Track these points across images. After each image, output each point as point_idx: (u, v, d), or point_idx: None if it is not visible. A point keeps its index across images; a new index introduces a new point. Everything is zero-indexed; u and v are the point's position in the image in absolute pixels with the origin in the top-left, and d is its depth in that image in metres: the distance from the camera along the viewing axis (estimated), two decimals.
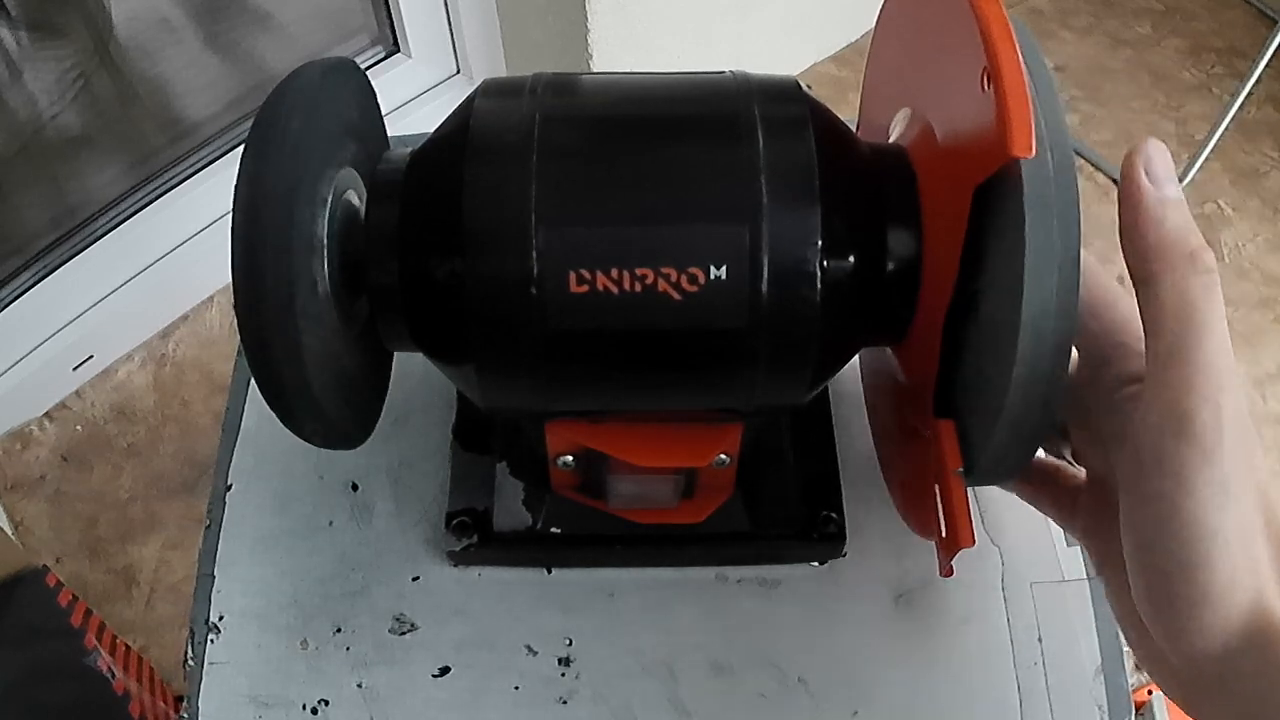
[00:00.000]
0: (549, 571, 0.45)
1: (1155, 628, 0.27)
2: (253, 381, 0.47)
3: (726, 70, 0.33)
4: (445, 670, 0.43)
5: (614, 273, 0.29)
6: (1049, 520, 0.45)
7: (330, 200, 0.31)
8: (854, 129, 0.43)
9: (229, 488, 0.47)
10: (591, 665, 0.43)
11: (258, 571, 0.45)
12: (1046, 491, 0.35)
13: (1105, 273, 0.31)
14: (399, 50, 1.32)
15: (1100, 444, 0.31)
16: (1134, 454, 0.27)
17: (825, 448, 0.45)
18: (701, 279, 0.29)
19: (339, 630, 0.44)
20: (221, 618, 0.44)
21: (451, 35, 1.31)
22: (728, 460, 0.38)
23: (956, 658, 0.43)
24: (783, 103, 0.31)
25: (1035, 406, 0.28)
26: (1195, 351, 0.26)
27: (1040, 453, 0.35)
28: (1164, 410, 0.26)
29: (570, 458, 0.38)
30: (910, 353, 0.35)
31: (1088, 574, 0.44)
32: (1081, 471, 0.34)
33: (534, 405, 0.34)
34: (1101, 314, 0.31)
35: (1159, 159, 0.27)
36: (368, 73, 0.35)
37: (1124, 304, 0.31)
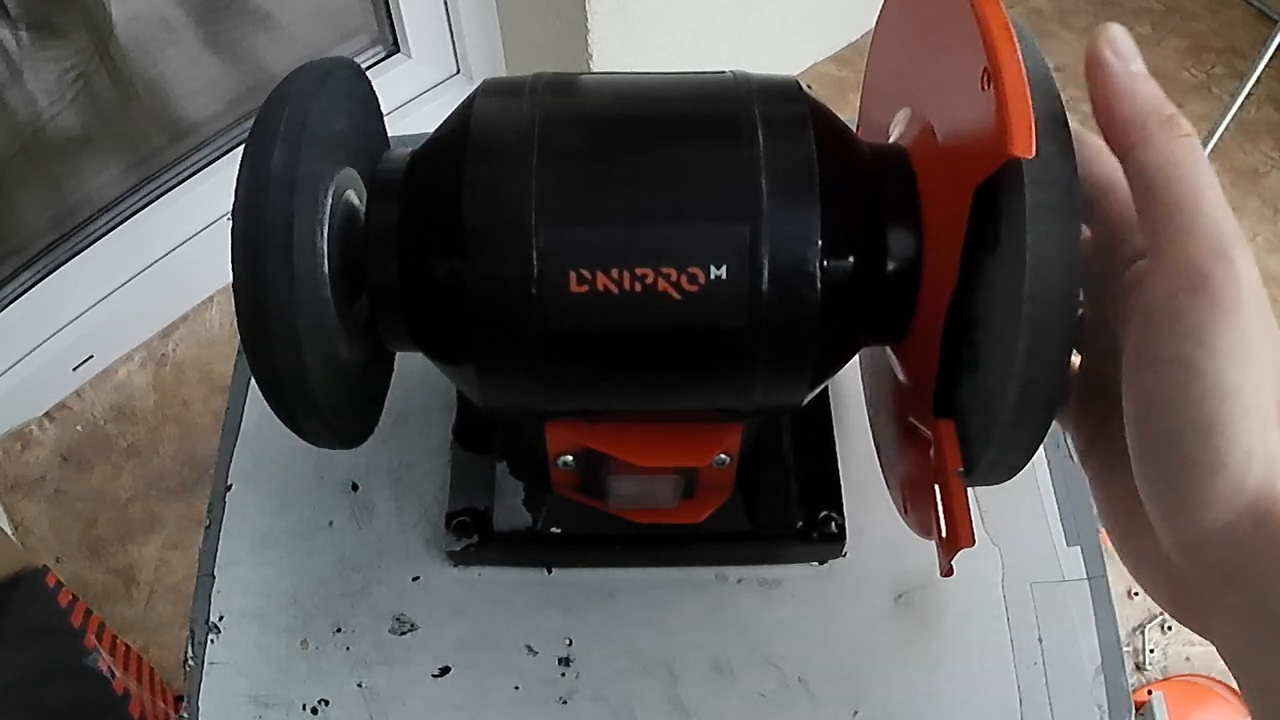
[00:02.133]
0: (549, 571, 0.45)
1: (1157, 506, 0.26)
2: (253, 381, 0.48)
3: (727, 70, 0.33)
4: (445, 670, 0.43)
5: (614, 273, 0.29)
6: (1049, 520, 0.45)
7: (330, 200, 0.31)
8: (854, 129, 0.43)
9: (229, 488, 0.47)
10: (591, 665, 0.43)
11: (258, 571, 0.45)
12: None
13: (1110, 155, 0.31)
14: (399, 50, 1.32)
15: (1104, 328, 0.30)
16: (1145, 319, 0.26)
17: (825, 448, 0.45)
18: (701, 279, 0.29)
19: (339, 630, 0.44)
20: (221, 618, 0.44)
21: (451, 35, 1.31)
22: (728, 460, 0.38)
23: (956, 658, 0.43)
24: (783, 103, 0.31)
25: (1036, 407, 0.28)
26: (1194, 210, 0.25)
27: None
28: (1175, 270, 0.25)
29: (570, 458, 0.38)
30: (910, 353, 0.35)
31: (1087, 574, 0.44)
32: (1076, 357, 0.33)
33: (534, 405, 0.34)
34: (1109, 194, 0.30)
35: (1122, 38, 0.27)
36: (368, 73, 0.35)
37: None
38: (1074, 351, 0.29)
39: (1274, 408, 0.25)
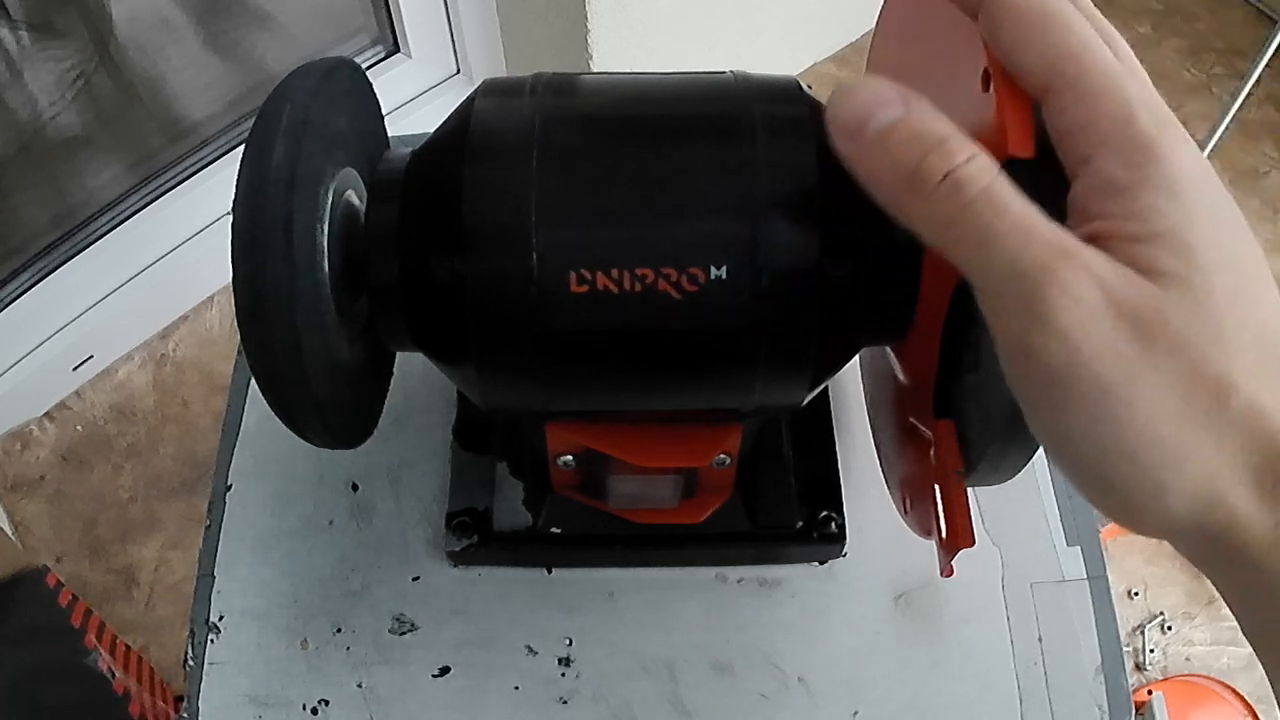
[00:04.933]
0: (549, 571, 0.45)
1: (1102, 511, 0.24)
2: (253, 381, 0.48)
3: (727, 70, 0.33)
4: (445, 670, 0.43)
5: (614, 272, 0.29)
6: (1049, 520, 0.45)
7: (330, 200, 0.31)
8: None
9: (229, 488, 0.47)
10: (591, 665, 0.43)
11: (258, 571, 0.45)
12: None
13: None
14: (399, 50, 1.32)
15: None
16: (1009, 383, 0.23)
17: (825, 448, 0.45)
18: (702, 279, 0.29)
19: (339, 630, 0.44)
20: (221, 618, 0.44)
21: (451, 35, 1.31)
22: (728, 460, 0.38)
23: (956, 658, 0.43)
24: (783, 103, 0.31)
25: None
26: (988, 267, 0.22)
27: None
28: (1001, 339, 0.22)
29: (570, 458, 0.38)
30: (910, 353, 0.35)
31: (1087, 574, 0.44)
32: None
33: (534, 405, 0.34)
34: None
35: (849, 104, 0.23)
36: (368, 73, 0.35)
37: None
38: None
39: (1191, 424, 0.21)
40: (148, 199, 1.24)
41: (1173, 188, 0.22)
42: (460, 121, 0.32)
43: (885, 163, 0.23)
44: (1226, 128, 1.36)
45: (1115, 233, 0.22)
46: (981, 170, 0.22)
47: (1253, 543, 0.22)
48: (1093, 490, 0.23)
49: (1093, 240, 0.22)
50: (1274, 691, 0.24)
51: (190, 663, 0.43)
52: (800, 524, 0.43)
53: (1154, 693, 0.99)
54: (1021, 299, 0.21)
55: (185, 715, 0.42)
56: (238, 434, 0.49)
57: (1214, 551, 0.22)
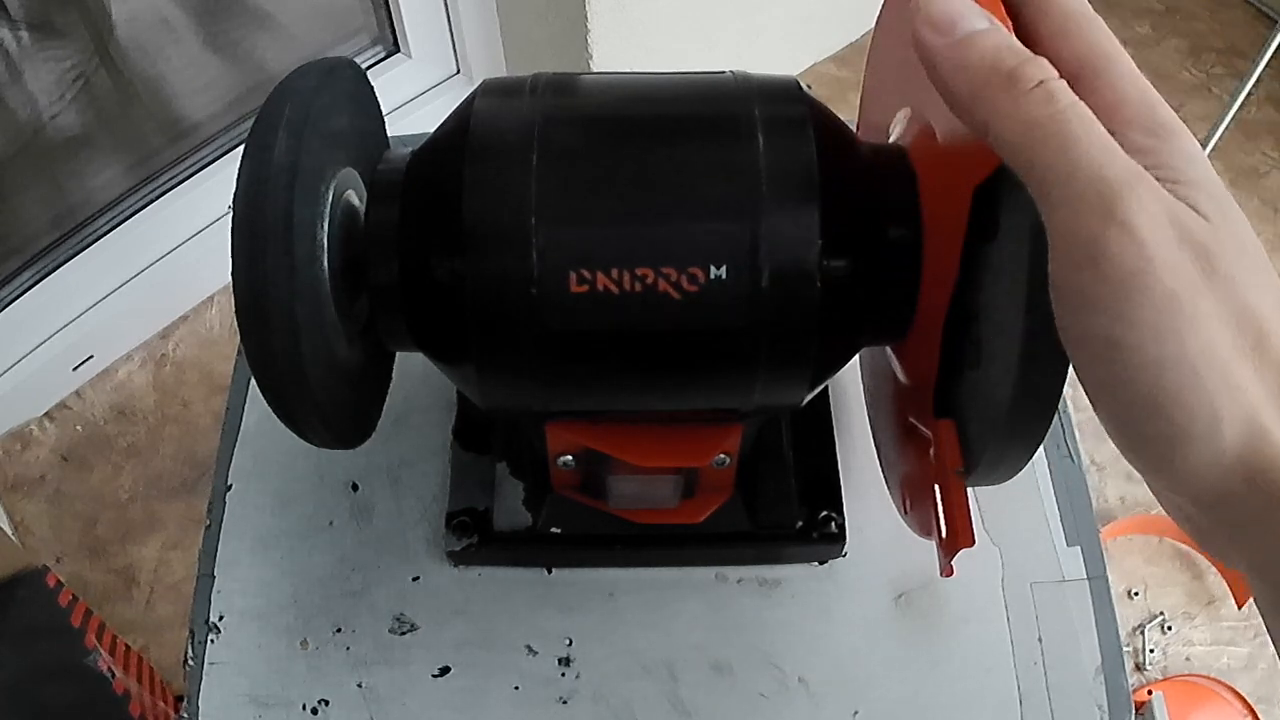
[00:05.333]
0: (549, 571, 0.45)
1: (1140, 471, 0.24)
2: (253, 381, 0.48)
3: (727, 70, 0.33)
4: (445, 670, 0.43)
5: (614, 273, 0.29)
6: (1049, 520, 0.45)
7: (330, 200, 0.31)
8: (854, 129, 0.43)
9: (229, 488, 0.47)
10: (591, 665, 0.43)
11: (258, 571, 0.45)
12: None
13: None
14: (399, 50, 1.32)
15: None
16: (1055, 297, 0.23)
17: (825, 448, 0.45)
18: (702, 279, 0.29)
19: (339, 630, 0.44)
20: (221, 618, 0.44)
21: (451, 35, 1.31)
22: (728, 460, 0.38)
23: (956, 658, 0.43)
24: (783, 103, 0.31)
25: (1035, 406, 0.28)
26: (1067, 172, 0.22)
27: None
28: (1066, 244, 0.22)
29: (570, 458, 0.38)
30: (910, 353, 0.35)
31: (1087, 574, 0.44)
32: None
33: (534, 405, 0.34)
34: None
35: (938, 4, 0.25)
36: (368, 73, 0.35)
37: None
38: None
39: (1241, 355, 0.22)
40: (148, 199, 1.24)
41: (1193, 159, 0.23)
42: (460, 121, 0.32)
43: (976, 59, 0.24)
44: (1226, 128, 1.36)
45: (1160, 178, 0.23)
46: (1068, 90, 0.23)
47: None
48: (1142, 415, 0.22)
49: None
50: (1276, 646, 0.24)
51: (190, 663, 0.43)
52: (800, 524, 0.43)
53: (1154, 693, 0.99)
54: (1103, 201, 0.22)
55: (185, 715, 0.42)
56: (238, 434, 0.49)
57: (1249, 492, 0.22)
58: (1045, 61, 0.24)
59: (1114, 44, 0.25)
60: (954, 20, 0.24)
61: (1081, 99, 0.24)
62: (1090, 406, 0.24)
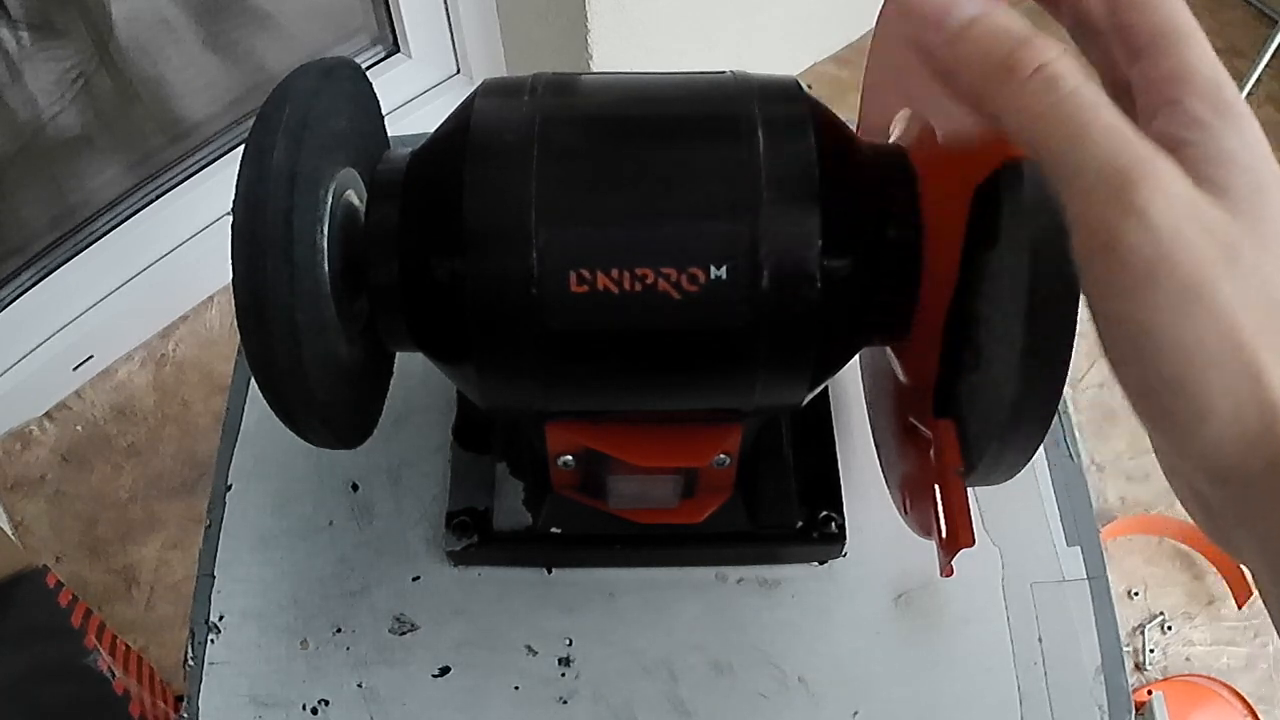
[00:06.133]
0: (549, 571, 0.45)
1: (1155, 443, 0.24)
2: (253, 381, 0.48)
3: (727, 70, 0.33)
4: (445, 670, 0.43)
5: (614, 273, 0.29)
6: (1049, 520, 0.45)
7: (330, 200, 0.31)
8: (854, 129, 0.43)
9: (229, 488, 0.47)
10: (591, 665, 0.43)
11: (258, 571, 0.45)
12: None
13: None
14: (399, 50, 1.32)
15: None
16: (1083, 276, 0.23)
17: (825, 448, 0.45)
18: (702, 279, 0.29)
19: (339, 630, 0.44)
20: (221, 618, 0.44)
21: (451, 35, 1.31)
22: (728, 460, 0.38)
23: (956, 658, 0.43)
24: (783, 103, 0.31)
25: (1036, 406, 0.28)
26: (1077, 158, 0.22)
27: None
28: (1084, 231, 0.22)
29: (570, 458, 0.38)
30: (910, 353, 0.35)
31: (1087, 574, 0.44)
32: None
33: (534, 405, 0.34)
34: None
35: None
36: (368, 73, 0.35)
37: None
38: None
39: (1266, 342, 0.22)
40: (148, 199, 1.24)
41: (1249, 144, 0.23)
42: (460, 121, 0.32)
43: (972, 52, 0.23)
44: None
45: (1197, 156, 0.23)
46: (1073, 68, 0.22)
47: None
48: (1166, 393, 0.23)
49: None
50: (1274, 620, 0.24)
51: (190, 663, 0.43)
52: (800, 524, 0.43)
53: (1154, 693, 0.99)
54: (1114, 191, 0.21)
55: (185, 715, 0.42)
56: (238, 434, 0.49)
57: (1269, 472, 0.22)
58: (1045, 41, 0.23)
59: (1188, 19, 0.24)
60: (944, 8, 0.24)
61: (1148, 70, 0.23)
62: (1090, 406, 0.24)
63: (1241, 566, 0.27)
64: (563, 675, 0.42)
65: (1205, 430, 0.22)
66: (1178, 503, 0.26)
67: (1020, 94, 0.22)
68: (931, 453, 0.33)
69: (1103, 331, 0.23)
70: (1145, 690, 1.02)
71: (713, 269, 0.29)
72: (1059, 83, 0.22)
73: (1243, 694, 1.04)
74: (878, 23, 0.37)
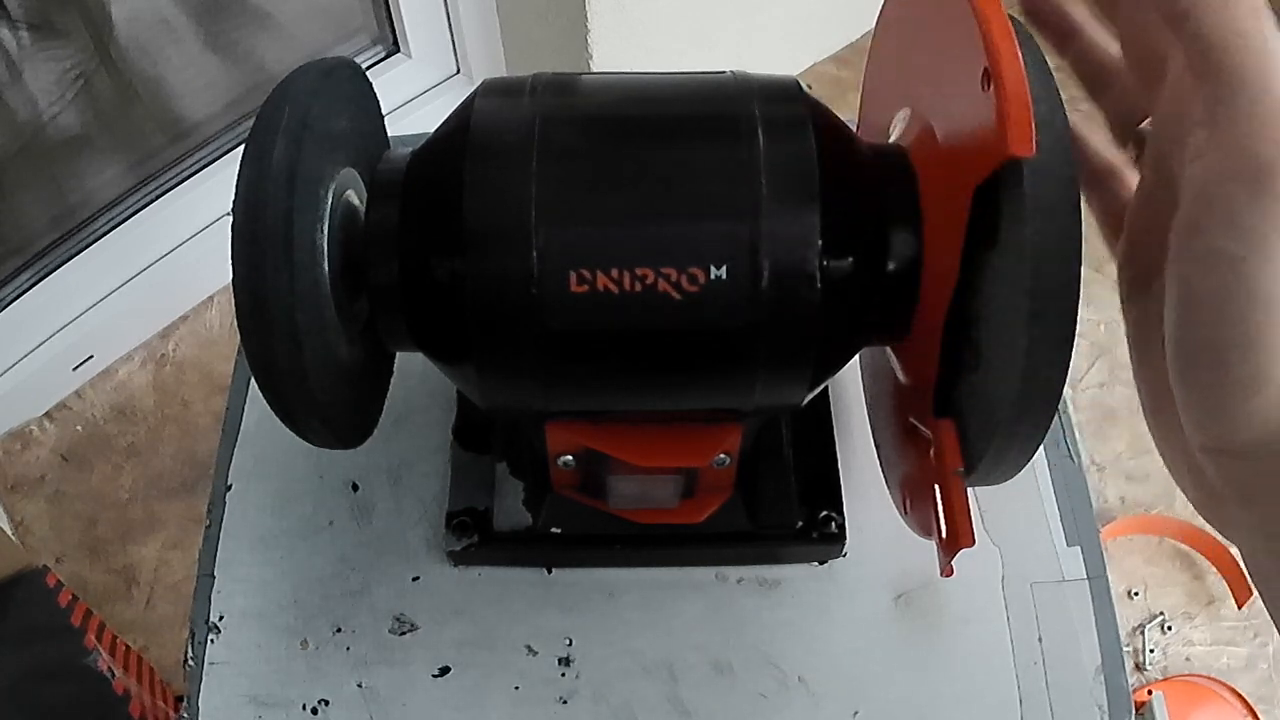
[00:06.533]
0: (549, 571, 0.45)
1: (1188, 408, 0.24)
2: (253, 381, 0.48)
3: (727, 70, 0.33)
4: (445, 670, 0.43)
5: (614, 273, 0.29)
6: (1049, 520, 0.45)
7: (330, 200, 0.31)
8: (854, 129, 0.43)
9: (229, 488, 0.47)
10: (591, 665, 0.43)
11: (258, 571, 0.45)
12: (1096, 196, 0.31)
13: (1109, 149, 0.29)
14: (399, 50, 1.32)
15: (1165, 162, 0.26)
16: (1196, 202, 0.23)
17: (825, 448, 0.45)
18: (702, 279, 0.29)
19: (339, 630, 0.44)
20: (221, 618, 0.44)
21: (451, 35, 1.31)
22: (728, 460, 0.38)
23: (956, 658, 0.43)
24: (783, 103, 0.31)
25: (1036, 405, 0.28)
26: (1261, 90, 0.21)
27: (1101, 144, 0.31)
28: (1234, 157, 0.22)
29: (570, 458, 0.38)
30: (910, 353, 0.35)
31: (1087, 574, 0.44)
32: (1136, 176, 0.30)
33: (534, 405, 0.34)
34: (1111, 177, 0.28)
35: None
36: (368, 73, 0.35)
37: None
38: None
39: None
40: (148, 199, 1.24)
41: None
42: (460, 121, 0.32)
43: None
44: None
45: None
46: (1271, 12, 0.23)
47: None
48: (1228, 343, 0.23)
49: None
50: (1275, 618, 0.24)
51: (190, 663, 0.43)
52: (800, 524, 0.43)
53: (1154, 693, 0.99)
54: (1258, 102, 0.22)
55: (185, 715, 0.42)
56: (238, 434, 0.49)
57: None
58: None
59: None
60: None
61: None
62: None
63: (1240, 564, 0.27)
64: (563, 675, 0.42)
65: (1253, 399, 0.22)
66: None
67: (1232, 5, 0.22)
68: (931, 453, 0.33)
69: (1189, 270, 0.23)
70: (1145, 690, 1.02)
71: (713, 269, 0.29)
72: (1267, 15, 0.22)
73: (1243, 694, 1.04)
74: (878, 23, 0.37)
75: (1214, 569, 1.12)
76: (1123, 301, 0.29)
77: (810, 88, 0.33)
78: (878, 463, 0.44)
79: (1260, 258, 0.22)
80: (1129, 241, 0.28)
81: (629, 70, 0.35)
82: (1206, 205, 0.22)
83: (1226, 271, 0.22)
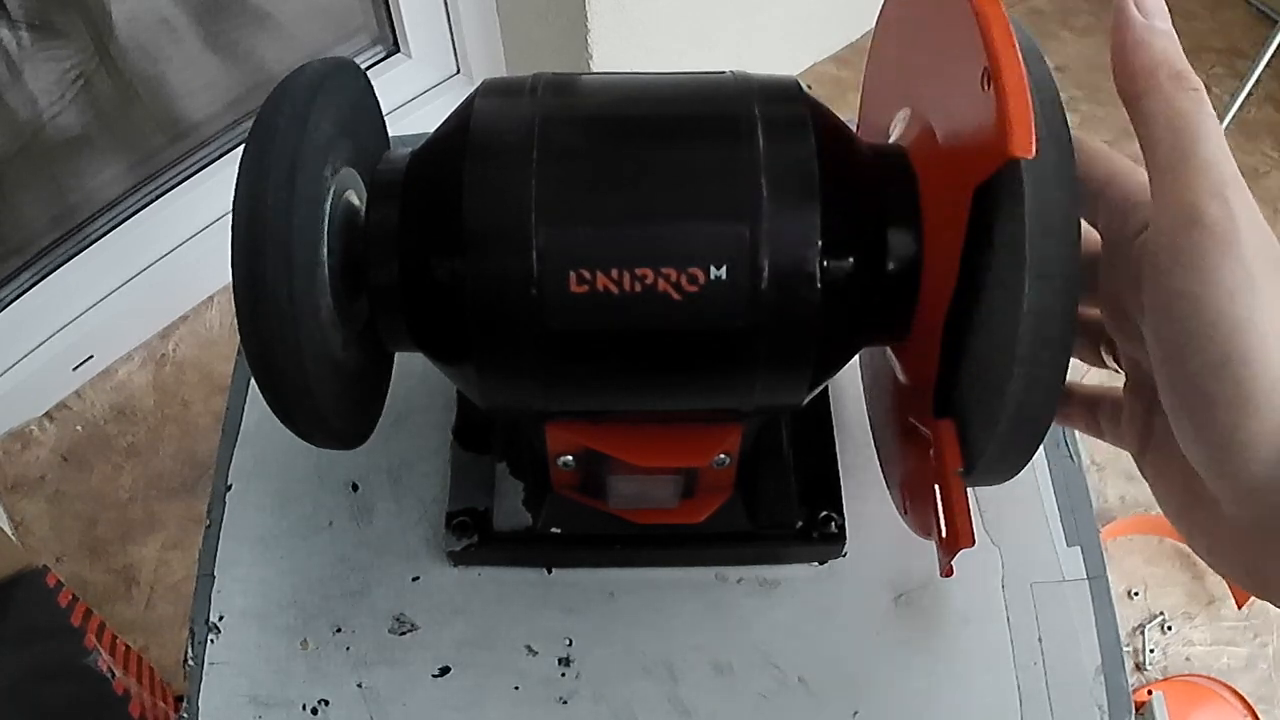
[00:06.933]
0: (549, 571, 0.45)
1: (1199, 455, 0.26)
2: (253, 381, 0.47)
3: (727, 70, 0.33)
4: (445, 670, 0.43)
5: (614, 273, 0.29)
6: (1049, 520, 0.45)
7: (330, 200, 0.31)
8: (854, 129, 0.43)
9: (229, 488, 0.47)
10: (591, 665, 0.43)
11: (258, 571, 0.45)
12: (1089, 418, 0.34)
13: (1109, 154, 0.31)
14: (399, 50, 1.32)
15: (1134, 329, 0.30)
16: (1150, 262, 0.26)
17: (825, 448, 0.45)
18: (701, 279, 0.29)
19: (339, 630, 0.44)
20: (221, 618, 0.44)
21: (451, 35, 1.31)
22: (728, 460, 0.38)
23: (957, 658, 0.43)
24: (783, 103, 0.31)
25: (1036, 406, 0.28)
26: (1192, 155, 0.26)
27: (1081, 374, 0.34)
28: (1174, 210, 0.25)
29: (570, 458, 0.38)
30: (910, 353, 0.35)
31: (1087, 574, 0.44)
32: (1120, 383, 0.33)
33: (534, 405, 0.34)
34: (1110, 185, 0.30)
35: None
36: (368, 73, 0.35)
37: (1138, 174, 0.30)
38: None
39: None
40: (148, 199, 1.24)
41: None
42: (460, 121, 0.32)
43: (1159, 46, 0.28)
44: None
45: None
46: (1209, 102, 0.27)
47: None
48: (1210, 374, 0.25)
49: None
50: None
51: (190, 663, 0.43)
52: (800, 524, 0.43)
53: (1154, 693, 0.99)
54: (1214, 183, 0.25)
55: (185, 715, 0.42)
56: (238, 434, 0.49)
57: None
58: (1197, 79, 0.27)
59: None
60: (1157, 14, 0.28)
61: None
62: None
63: None
64: (563, 675, 0.42)
65: (1246, 419, 0.24)
66: None
67: (1177, 94, 0.27)
68: (931, 453, 0.33)
69: (1160, 316, 0.26)
70: (1145, 690, 1.02)
71: (712, 269, 0.29)
72: (1204, 103, 0.27)
73: (1243, 694, 1.04)
74: (878, 23, 0.37)
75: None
76: (1139, 463, 0.31)
77: (810, 88, 0.33)
78: (878, 463, 0.44)
79: (1206, 285, 0.24)
80: (1129, 423, 0.31)
81: (629, 70, 0.35)
82: (1157, 259, 0.26)
83: (1184, 304, 0.25)
